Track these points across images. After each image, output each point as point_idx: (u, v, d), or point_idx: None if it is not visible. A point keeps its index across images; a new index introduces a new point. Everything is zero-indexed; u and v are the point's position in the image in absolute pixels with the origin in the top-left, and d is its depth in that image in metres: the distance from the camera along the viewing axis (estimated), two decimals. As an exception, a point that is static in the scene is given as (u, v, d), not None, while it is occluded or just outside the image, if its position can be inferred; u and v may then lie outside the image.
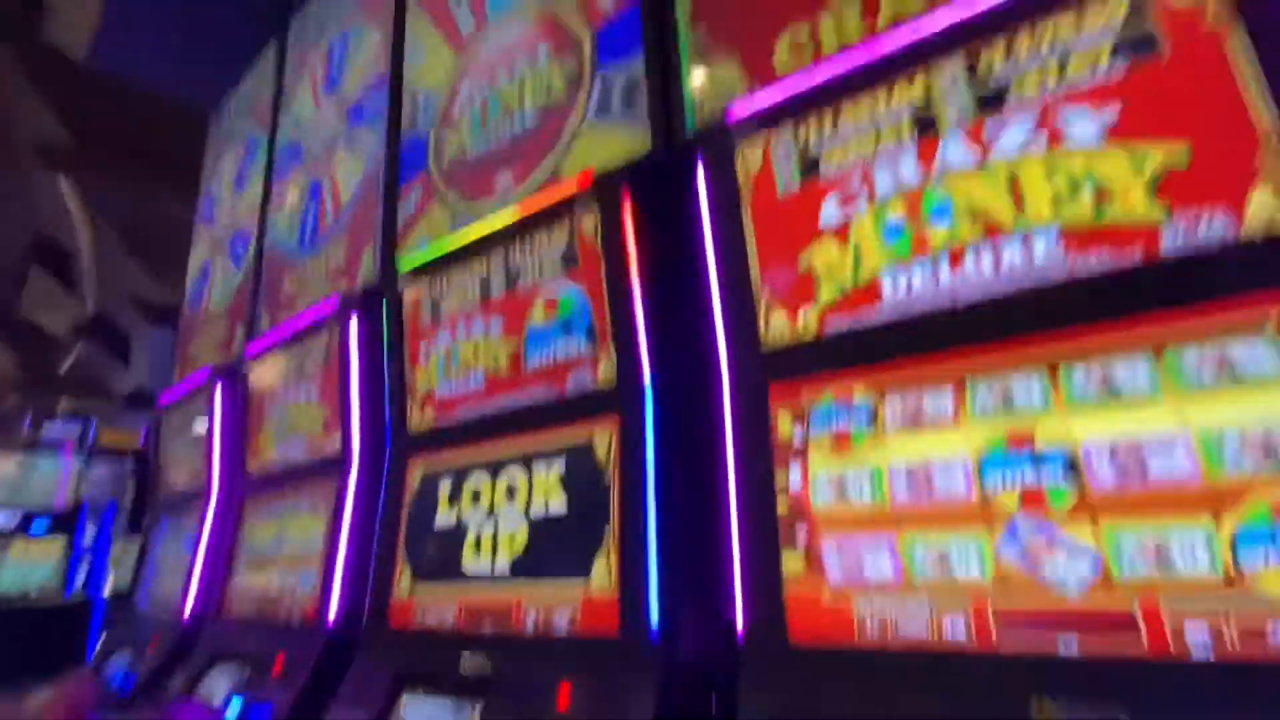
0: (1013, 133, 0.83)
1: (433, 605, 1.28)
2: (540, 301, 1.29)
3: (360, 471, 1.57)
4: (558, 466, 1.17)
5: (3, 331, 9.95)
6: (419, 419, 1.46)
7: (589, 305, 1.20)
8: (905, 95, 0.92)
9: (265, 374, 1.98)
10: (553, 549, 1.14)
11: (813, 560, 0.86)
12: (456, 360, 1.41)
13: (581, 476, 1.14)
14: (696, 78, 1.20)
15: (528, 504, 1.20)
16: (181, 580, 2.05)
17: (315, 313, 1.76)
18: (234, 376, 2.09)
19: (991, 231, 0.83)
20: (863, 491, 0.84)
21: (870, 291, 0.91)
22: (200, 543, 2.05)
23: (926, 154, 0.89)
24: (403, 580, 1.37)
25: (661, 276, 1.16)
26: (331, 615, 1.46)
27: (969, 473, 0.78)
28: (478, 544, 1.25)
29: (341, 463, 1.60)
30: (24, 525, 4.02)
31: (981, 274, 0.83)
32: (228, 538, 1.98)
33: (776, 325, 0.98)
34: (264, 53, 2.62)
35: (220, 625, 1.82)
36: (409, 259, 1.56)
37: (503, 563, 1.20)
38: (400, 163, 1.77)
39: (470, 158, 1.56)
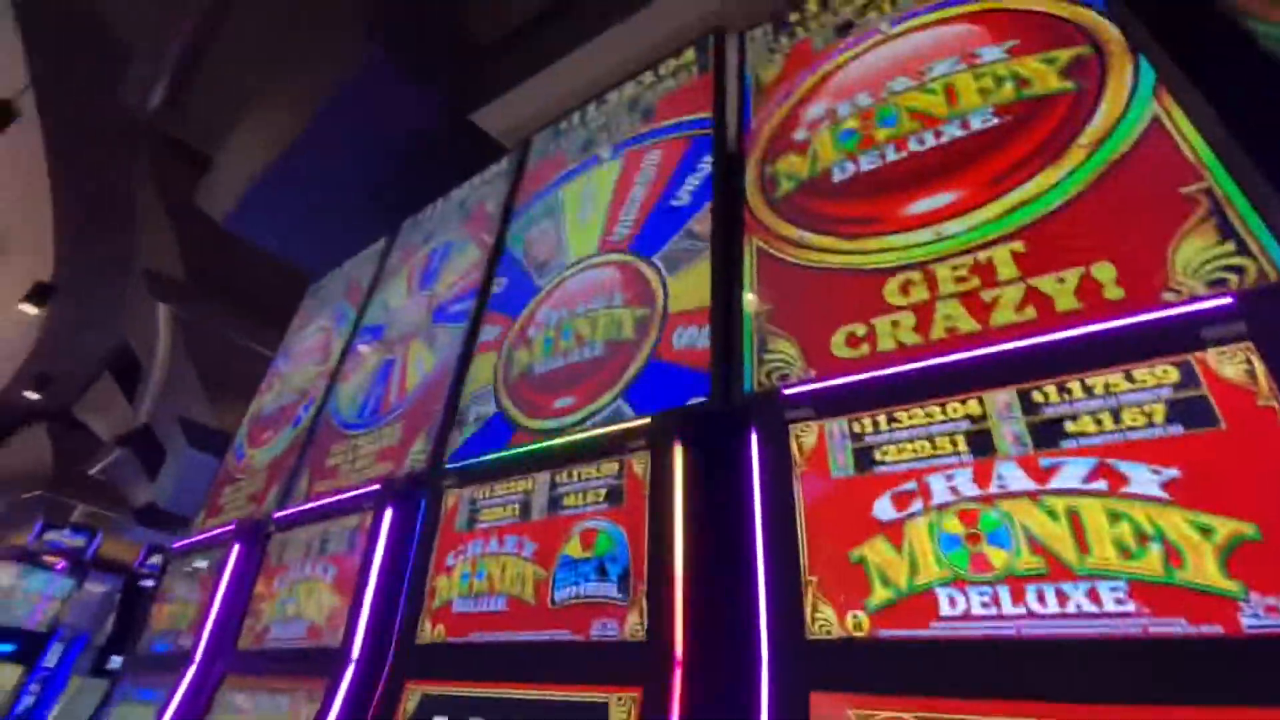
0: (1071, 470, 0.85)
1: None
2: (578, 531, 1.28)
3: (355, 676, 1.46)
4: (568, 731, 1.07)
5: (52, 425, 10.34)
6: (429, 632, 1.39)
7: (628, 547, 1.19)
8: (960, 411, 0.96)
9: (288, 541, 1.95)
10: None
11: None
12: (482, 575, 1.37)
13: (592, 746, 1.03)
14: (755, 345, 1.30)
15: (526, 767, 1.08)
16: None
17: (354, 492, 1.78)
18: (256, 537, 2.07)
19: (1056, 570, 0.81)
20: None
21: (926, 604, 0.87)
22: (165, 714, 1.88)
23: (983, 473, 0.91)
24: (367, 830, 1.20)
25: (707, 533, 1.15)
26: None
27: None
28: (462, 805, 1.11)
29: (339, 661, 1.50)
30: (-11, 644, 3.80)
31: (1047, 611, 0.79)
32: (196, 715, 1.81)
33: (823, 619, 0.93)
34: (373, 244, 2.99)
35: (149, 834, 1.60)
36: (455, 460, 1.60)
37: (485, 840, 1.05)
38: (500, 279, 2.00)
39: (537, 374, 1.67)
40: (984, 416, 0.94)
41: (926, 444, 0.97)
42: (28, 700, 3.82)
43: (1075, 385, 0.89)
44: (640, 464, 1.26)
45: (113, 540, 6.31)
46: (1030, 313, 1.01)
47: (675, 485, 1.18)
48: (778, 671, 0.93)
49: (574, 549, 1.27)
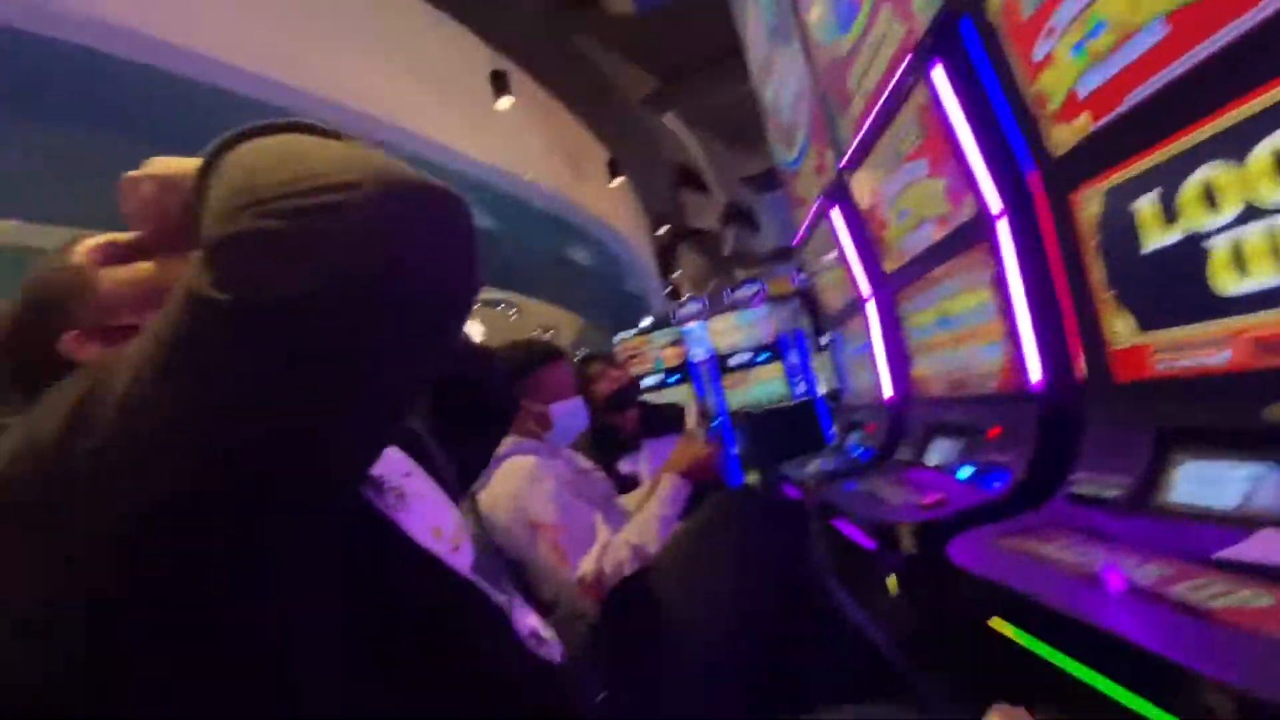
0: None
1: (1184, 348, 0.97)
2: None
3: (1013, 224, 1.35)
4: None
5: (689, 241, 13.98)
6: (1066, 134, 1.11)
7: None
8: None
9: (865, 178, 1.96)
10: None
11: None
12: (1101, 28, 0.98)
13: None
14: None
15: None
16: (870, 376, 2.35)
17: (889, 86, 1.59)
18: (839, 195, 2.17)
19: None
20: None
21: None
22: (872, 343, 2.28)
23: None
24: (1118, 327, 1.10)
25: None
26: (1035, 378, 1.34)
27: None
28: (1237, 257, 0.86)
29: (983, 225, 1.42)
30: (753, 359, 5.59)
31: None
32: (893, 332, 2.12)
33: None
34: None
35: (920, 405, 1.98)
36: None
37: (1302, 269, 0.77)
38: None
39: None
40: None
41: None
42: (799, 386, 5.44)
43: None
44: None
45: (774, 282, 8.02)
46: None
47: None
48: None
49: None
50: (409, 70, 6.24)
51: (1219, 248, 0.88)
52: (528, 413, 1.72)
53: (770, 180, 7.97)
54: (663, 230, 12.48)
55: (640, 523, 1.55)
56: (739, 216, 10.40)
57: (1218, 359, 0.91)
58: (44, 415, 0.40)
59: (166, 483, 0.36)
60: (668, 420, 2.85)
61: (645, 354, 6.00)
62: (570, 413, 1.79)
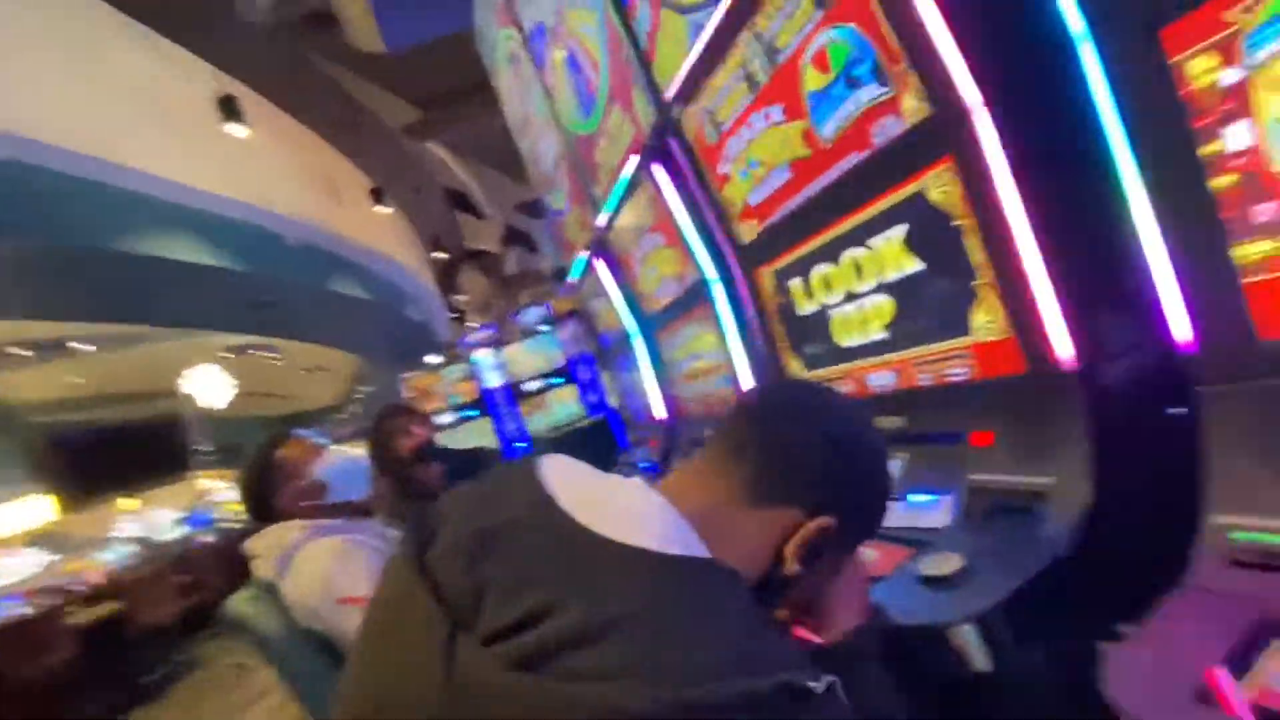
0: None
1: (834, 382, 1.41)
2: (807, 61, 1.13)
3: (729, 289, 1.75)
4: (897, 231, 1.09)
5: (472, 262, 13.72)
6: (746, 231, 1.52)
7: (865, 40, 1.00)
8: None
9: (620, 238, 2.30)
10: (923, 310, 1.11)
11: (1288, 237, 0.62)
12: (755, 163, 1.38)
13: (928, 231, 1.04)
14: None
15: (879, 275, 1.17)
16: (644, 397, 2.72)
17: (624, 173, 1.92)
18: (602, 250, 2.50)
19: None
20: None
21: None
22: (643, 369, 2.66)
23: None
24: (795, 366, 1.53)
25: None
26: (755, 404, 1.75)
27: None
28: (845, 323, 1.30)
29: (705, 288, 1.81)
30: (547, 383, 5.83)
31: None
32: (659, 364, 2.51)
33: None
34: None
35: (687, 423, 2.39)
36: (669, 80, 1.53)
37: (878, 333, 1.22)
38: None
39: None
40: None
41: None
42: (592, 403, 5.78)
43: None
44: (826, -62, 0.98)
45: (559, 300, 8.29)
46: None
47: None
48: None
49: (814, 81, 1.14)
50: (119, 98, 5.33)
51: (835, 316, 1.32)
52: (297, 495, 1.61)
53: (543, 207, 8.29)
54: (441, 254, 12.14)
55: None
56: (517, 239, 10.60)
57: (848, 389, 1.36)
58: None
59: None
60: (472, 467, 2.93)
61: (437, 391, 5.89)
62: (337, 471, 1.68)
